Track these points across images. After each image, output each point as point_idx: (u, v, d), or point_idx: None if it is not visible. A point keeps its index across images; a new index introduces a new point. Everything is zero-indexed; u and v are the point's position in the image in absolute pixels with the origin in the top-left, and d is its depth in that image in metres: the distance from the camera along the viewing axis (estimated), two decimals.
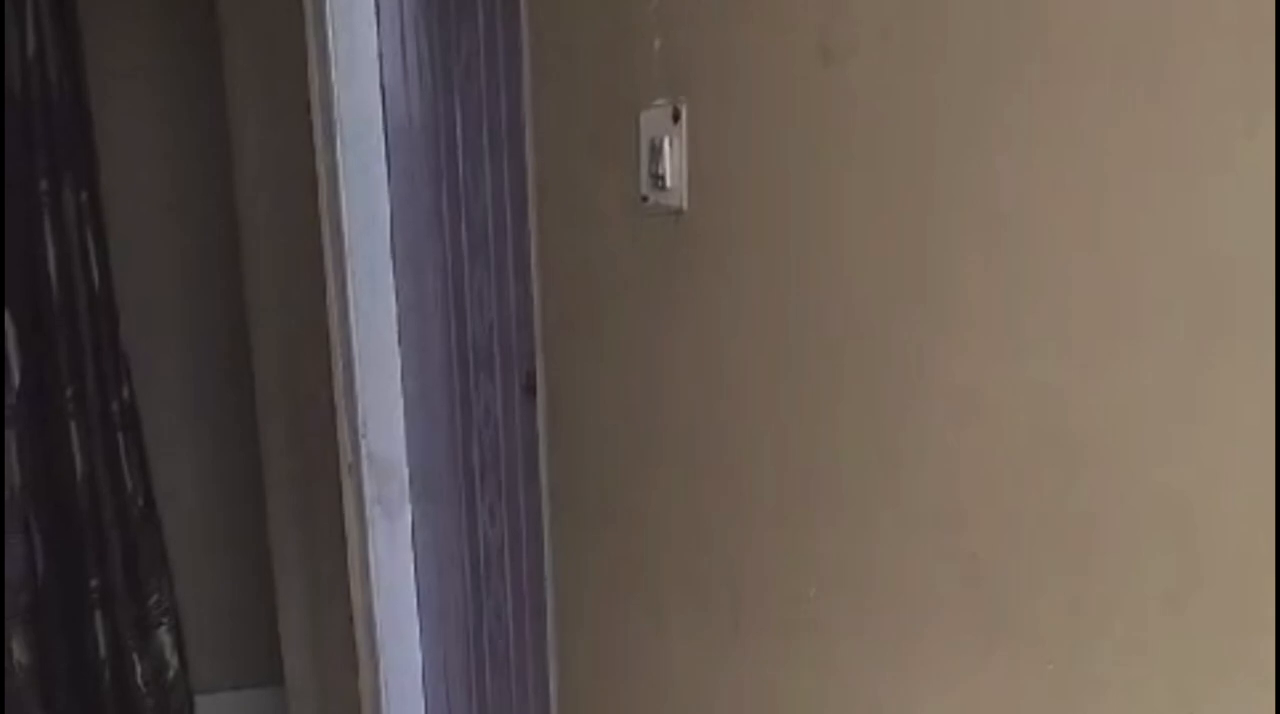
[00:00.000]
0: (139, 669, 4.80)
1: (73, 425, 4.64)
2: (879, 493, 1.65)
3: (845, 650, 1.75)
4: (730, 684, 2.03)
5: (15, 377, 4.59)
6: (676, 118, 1.95)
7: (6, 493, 4.68)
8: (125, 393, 4.63)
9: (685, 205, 1.97)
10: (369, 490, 3.35)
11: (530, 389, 2.67)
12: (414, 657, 3.48)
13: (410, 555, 3.43)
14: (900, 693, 1.65)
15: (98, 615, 4.77)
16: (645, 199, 2.05)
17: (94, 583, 4.76)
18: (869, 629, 1.70)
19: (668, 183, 1.99)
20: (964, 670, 1.52)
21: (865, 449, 1.67)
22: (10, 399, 4.60)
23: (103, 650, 4.83)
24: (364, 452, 3.33)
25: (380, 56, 3.17)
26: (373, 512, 3.36)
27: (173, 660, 4.82)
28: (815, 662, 1.81)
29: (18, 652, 4.82)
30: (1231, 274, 1.12)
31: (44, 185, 4.44)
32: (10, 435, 4.64)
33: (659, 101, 1.98)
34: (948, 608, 1.54)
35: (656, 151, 1.99)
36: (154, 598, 4.77)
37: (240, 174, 4.09)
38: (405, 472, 3.37)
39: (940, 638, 1.56)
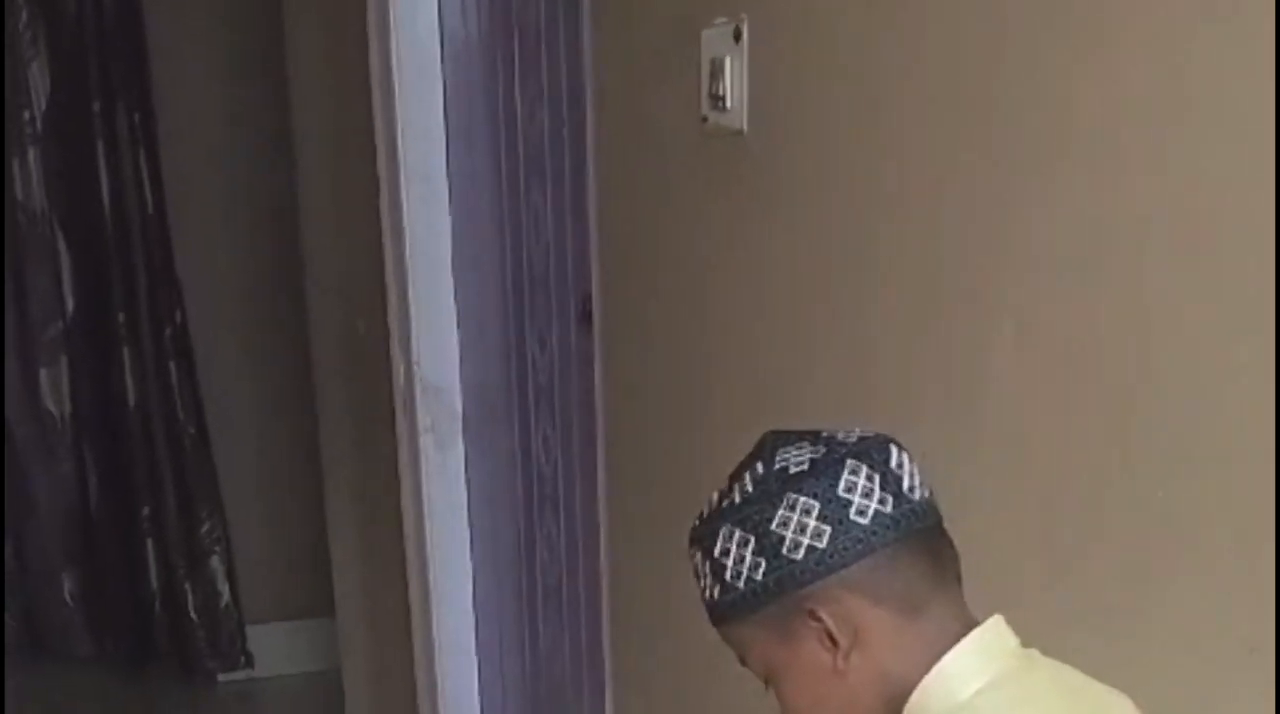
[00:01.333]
0: (190, 598, 4.83)
1: (125, 352, 4.67)
2: (940, 417, 1.61)
3: None
4: None
5: (70, 303, 4.60)
6: (738, 37, 1.91)
7: (58, 422, 4.70)
8: (178, 318, 4.63)
9: (745, 126, 1.93)
10: (421, 419, 3.33)
11: (586, 315, 2.64)
12: (465, 587, 3.46)
13: (462, 485, 3.41)
14: None
15: (149, 544, 4.82)
16: (705, 120, 2.01)
17: (145, 511, 4.79)
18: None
19: (728, 103, 1.95)
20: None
21: (925, 374, 1.64)
22: (63, 325, 4.62)
23: (154, 580, 4.87)
24: (417, 379, 3.31)
25: None
26: (425, 440, 3.34)
27: (224, 590, 4.86)
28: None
29: (68, 583, 4.85)
30: None
31: (96, 107, 4.44)
32: (62, 363, 4.65)
33: (720, 20, 1.94)
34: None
35: (717, 71, 1.96)
36: (205, 526, 4.79)
37: (296, 91, 4.05)
38: (458, 400, 3.35)
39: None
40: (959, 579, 1.26)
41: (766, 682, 1.29)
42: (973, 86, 1.49)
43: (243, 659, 4.90)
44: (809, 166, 1.82)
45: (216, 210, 4.71)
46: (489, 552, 3.44)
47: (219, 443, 4.76)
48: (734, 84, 1.92)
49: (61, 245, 4.56)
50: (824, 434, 1.25)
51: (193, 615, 4.82)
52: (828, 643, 1.22)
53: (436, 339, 3.30)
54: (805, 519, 1.20)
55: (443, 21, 3.16)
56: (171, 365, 4.66)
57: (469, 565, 3.47)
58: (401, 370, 3.36)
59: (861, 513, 1.20)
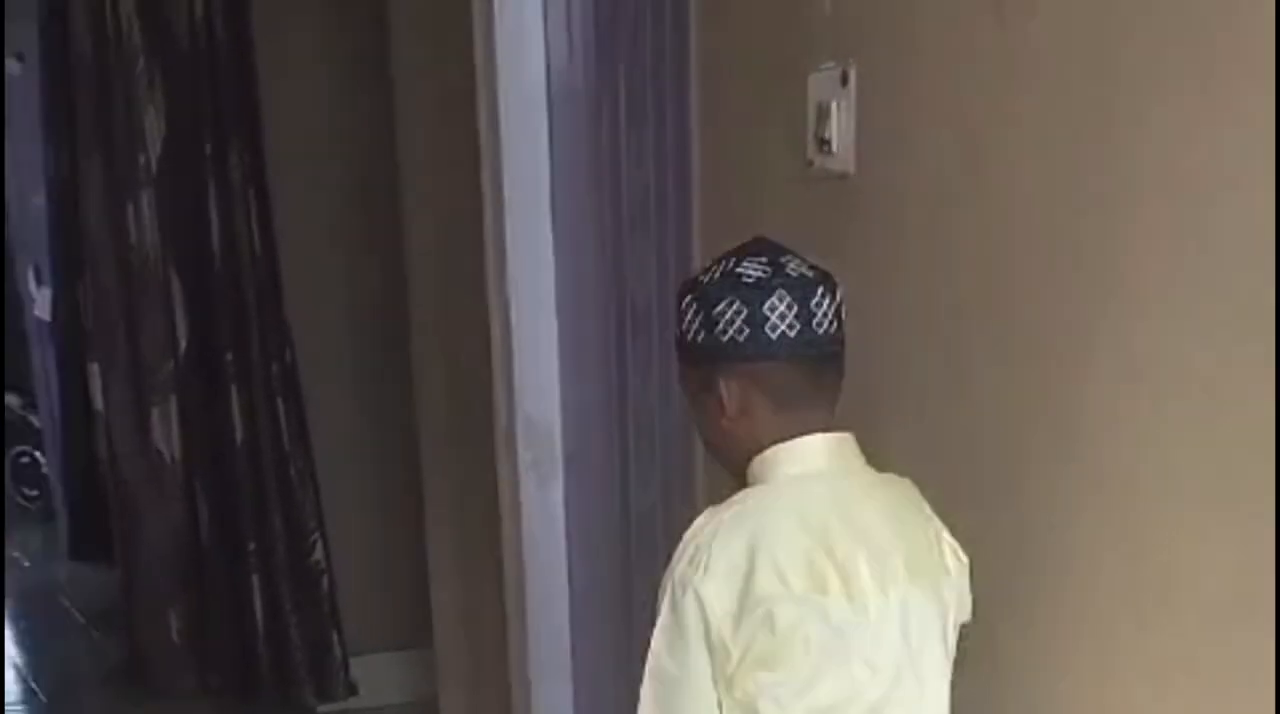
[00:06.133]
0: (295, 631, 4.86)
1: (233, 389, 4.72)
2: (1041, 461, 1.64)
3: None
4: None
5: (182, 343, 4.66)
6: (845, 81, 1.95)
7: (168, 460, 4.75)
8: (287, 356, 4.69)
9: (852, 169, 1.97)
10: (522, 455, 3.38)
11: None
12: (562, 619, 3.50)
13: (561, 520, 3.45)
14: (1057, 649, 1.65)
15: (254, 579, 4.84)
16: (810, 163, 2.05)
17: (252, 546, 4.83)
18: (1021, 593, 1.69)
19: (834, 147, 1.99)
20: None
21: (1027, 411, 1.66)
22: (174, 365, 4.67)
23: (259, 614, 4.89)
24: (519, 416, 3.35)
25: (545, 21, 3.18)
26: (526, 475, 3.38)
27: (328, 622, 4.89)
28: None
29: (175, 621, 4.91)
30: None
31: (208, 149, 4.52)
32: (172, 402, 4.71)
33: (828, 64, 1.98)
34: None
35: (823, 115, 2.00)
36: (311, 559, 4.83)
37: (402, 132, 4.13)
38: (559, 436, 3.39)
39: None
40: (833, 399, 1.75)
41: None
42: (1077, 130, 1.52)
43: (343, 690, 4.93)
44: (915, 209, 1.85)
45: (323, 249, 4.78)
46: (587, 585, 3.47)
47: (324, 478, 4.81)
48: (841, 127, 1.96)
49: (176, 286, 4.62)
50: (784, 260, 1.72)
51: (297, 648, 4.85)
52: (721, 406, 1.75)
53: (539, 377, 3.35)
54: (736, 318, 1.70)
55: (550, 68, 3.22)
56: (279, 402, 4.70)
57: (566, 598, 3.50)
58: (504, 406, 3.41)
59: (773, 329, 1.69)
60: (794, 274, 1.70)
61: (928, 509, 1.78)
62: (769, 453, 1.74)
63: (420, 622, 4.51)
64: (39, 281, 6.68)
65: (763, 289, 1.69)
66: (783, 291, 1.69)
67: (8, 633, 6.10)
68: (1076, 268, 1.54)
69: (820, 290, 1.70)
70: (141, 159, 4.51)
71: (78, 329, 5.41)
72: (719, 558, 1.65)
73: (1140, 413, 1.48)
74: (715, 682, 1.68)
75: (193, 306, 4.66)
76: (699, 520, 1.72)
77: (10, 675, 5.58)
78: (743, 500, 1.73)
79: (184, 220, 4.60)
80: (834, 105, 1.97)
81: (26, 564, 7.17)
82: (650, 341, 2.99)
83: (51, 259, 5.92)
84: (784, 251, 1.74)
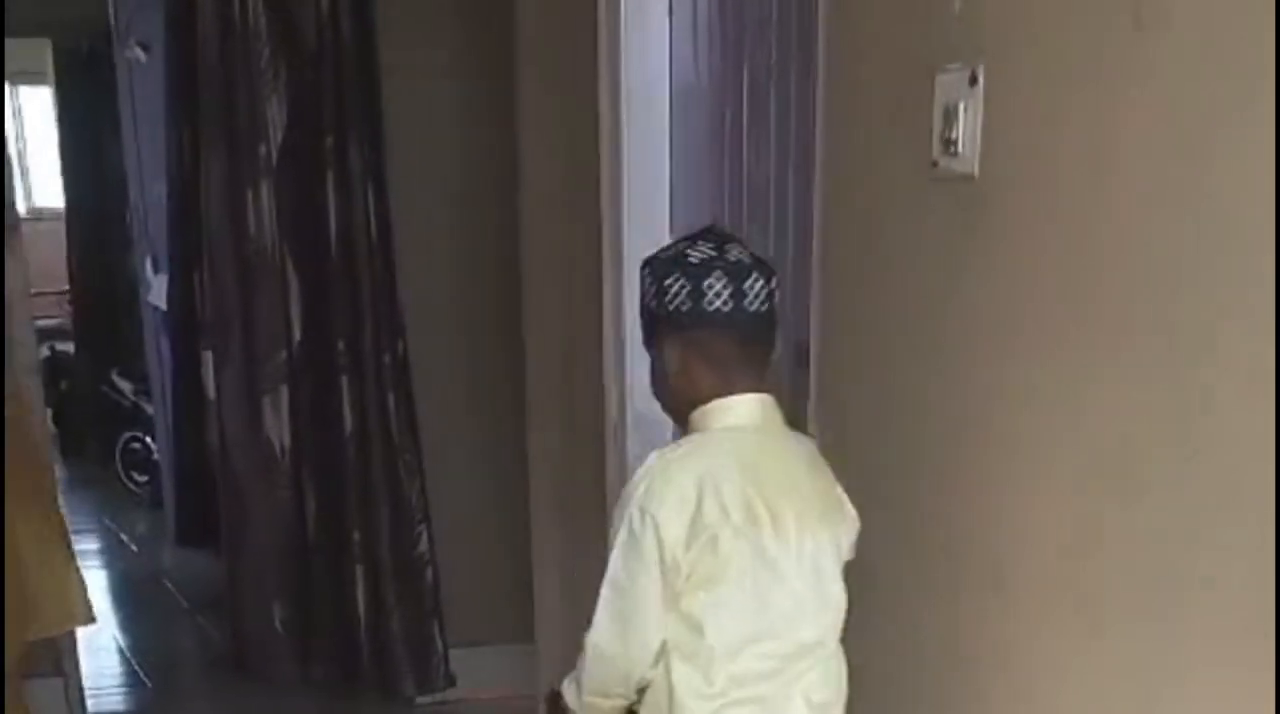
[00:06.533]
0: (396, 623, 4.90)
1: (344, 380, 4.76)
2: (1168, 473, 1.62)
3: (1115, 624, 1.73)
4: (988, 655, 2.03)
5: (296, 333, 4.71)
6: (973, 82, 1.93)
7: (278, 449, 4.80)
8: (400, 348, 4.72)
9: (977, 171, 1.96)
10: (632, 451, 3.38)
11: (802, 358, 2.67)
12: None
13: None
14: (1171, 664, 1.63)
15: (358, 570, 4.88)
16: (935, 164, 2.04)
17: (356, 536, 4.87)
18: (1141, 603, 1.68)
19: (960, 148, 1.97)
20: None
21: (1154, 425, 1.64)
22: (287, 354, 4.72)
23: (361, 604, 4.94)
24: (629, 412, 3.37)
25: (670, 16, 3.19)
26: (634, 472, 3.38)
27: (430, 615, 4.92)
28: (1084, 632, 1.79)
29: (279, 611, 4.97)
30: None
31: (330, 141, 4.56)
32: (283, 391, 4.76)
33: (955, 65, 1.97)
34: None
35: (950, 116, 1.98)
36: (415, 551, 4.86)
37: (524, 131, 4.15)
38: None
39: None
40: (763, 366, 2.16)
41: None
42: (1208, 139, 1.50)
43: (443, 682, 4.96)
44: (1040, 212, 1.83)
45: (440, 244, 4.81)
46: None
47: (431, 470, 4.84)
48: (967, 128, 1.95)
49: (292, 276, 4.66)
50: (727, 247, 2.12)
51: (398, 640, 4.89)
52: (665, 365, 2.17)
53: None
54: (680, 292, 2.10)
55: (673, 69, 3.23)
56: (390, 394, 4.73)
57: None
58: (615, 401, 3.42)
59: (710, 303, 2.08)
60: (732, 259, 2.11)
61: (828, 468, 2.23)
62: (708, 406, 2.15)
63: (521, 616, 4.54)
64: (156, 269, 6.77)
65: (704, 269, 2.09)
66: (720, 272, 2.09)
67: (113, 617, 6.22)
68: (1200, 276, 1.52)
69: (754, 275, 2.10)
70: (262, 149, 4.56)
71: (192, 317, 5.47)
72: (672, 491, 2.04)
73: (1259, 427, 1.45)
74: (664, 598, 2.07)
75: (307, 297, 4.70)
76: (650, 459, 2.10)
77: (115, 659, 5.66)
78: (689, 444, 2.15)
79: (302, 211, 4.64)
80: (961, 106, 1.96)
81: (134, 549, 7.30)
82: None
83: (170, 247, 6.00)
84: (730, 239, 2.16)
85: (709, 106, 3.17)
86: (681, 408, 2.19)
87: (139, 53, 6.52)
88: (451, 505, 4.88)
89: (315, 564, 4.92)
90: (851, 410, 2.45)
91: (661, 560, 2.04)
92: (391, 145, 4.62)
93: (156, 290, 6.68)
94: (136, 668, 5.55)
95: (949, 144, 1.99)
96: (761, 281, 2.09)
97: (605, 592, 2.14)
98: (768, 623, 2.11)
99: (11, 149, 8.71)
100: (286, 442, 4.82)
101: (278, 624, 4.98)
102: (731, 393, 2.13)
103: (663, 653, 2.12)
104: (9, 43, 4.99)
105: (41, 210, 10.99)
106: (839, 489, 2.21)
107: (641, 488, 2.06)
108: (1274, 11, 1.37)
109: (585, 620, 2.17)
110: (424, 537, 4.86)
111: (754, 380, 2.15)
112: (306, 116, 4.56)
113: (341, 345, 4.71)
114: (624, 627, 2.13)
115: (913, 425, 2.22)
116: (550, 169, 3.96)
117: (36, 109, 11.07)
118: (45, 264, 8.33)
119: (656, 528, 2.03)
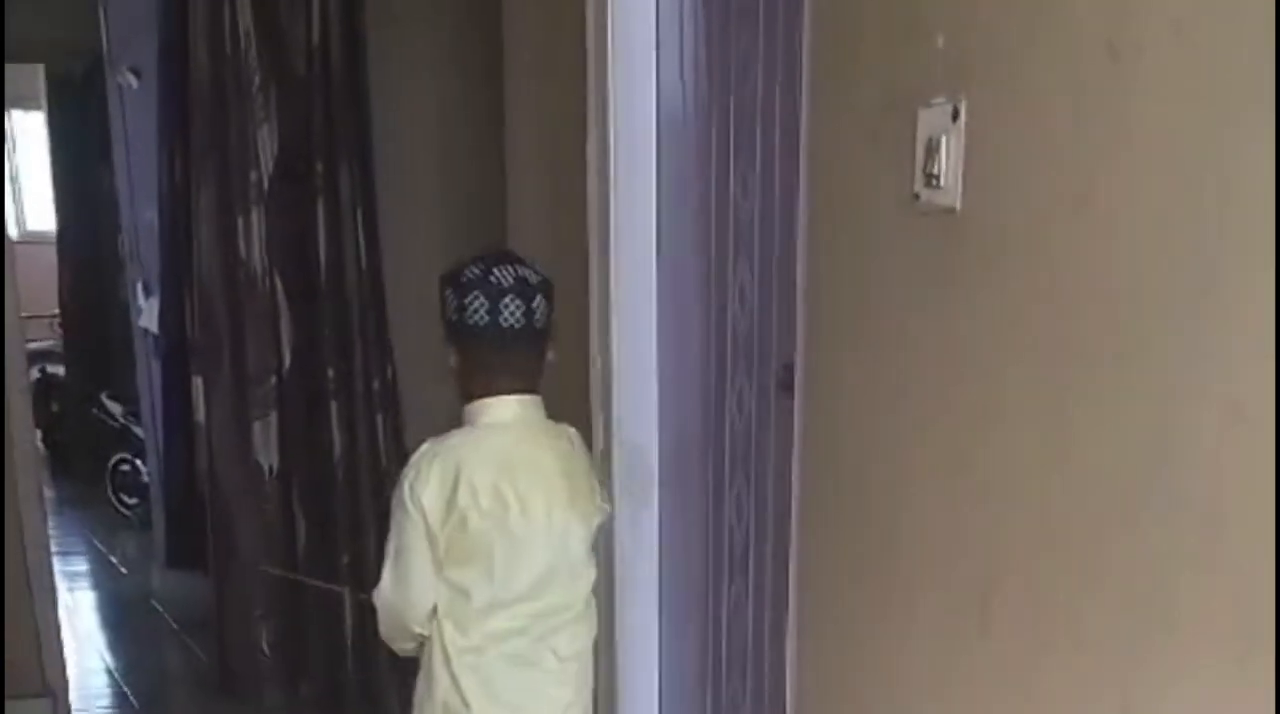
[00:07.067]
0: (383, 645, 4.86)
1: (333, 405, 4.78)
2: (1150, 500, 1.63)
3: (1098, 653, 1.74)
4: (974, 684, 2.03)
5: (286, 358, 4.72)
6: (955, 116, 1.95)
7: (266, 473, 4.80)
8: (388, 373, 4.74)
9: (959, 204, 1.97)
10: (618, 477, 3.40)
11: (787, 385, 2.69)
12: (651, 642, 3.51)
13: (655, 543, 3.46)
14: (1153, 693, 1.64)
15: (346, 591, 4.88)
16: (917, 197, 2.05)
17: (345, 559, 4.89)
18: (1125, 632, 1.69)
19: (942, 181, 1.99)
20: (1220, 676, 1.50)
21: (1136, 458, 1.65)
22: (277, 380, 4.72)
23: (349, 629, 4.96)
24: (615, 438, 3.38)
25: (658, 50, 3.21)
26: (620, 498, 3.40)
27: None
28: (1068, 664, 1.80)
29: (267, 633, 4.97)
30: None
31: (320, 168, 4.58)
32: (273, 416, 4.77)
33: (938, 99, 1.99)
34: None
35: (933, 149, 2.00)
36: None
37: (511, 158, 4.16)
38: (655, 460, 3.41)
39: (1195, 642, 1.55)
40: (523, 372, 2.69)
41: None
42: (1192, 169, 1.51)
43: None
44: (1021, 246, 1.84)
45: (429, 270, 4.79)
46: (677, 609, 3.48)
47: None
48: (950, 162, 1.96)
49: (282, 302, 4.69)
50: (495, 269, 2.59)
51: (385, 661, 4.84)
52: (450, 364, 2.68)
53: (637, 399, 3.37)
54: (453, 305, 2.61)
55: (660, 102, 3.25)
56: (379, 418, 4.76)
57: (656, 621, 3.52)
58: (602, 430, 3.43)
59: (471, 316, 2.58)
60: (494, 281, 2.58)
61: (589, 459, 2.86)
62: (474, 404, 2.68)
63: None
64: (147, 293, 6.78)
65: (470, 287, 2.58)
66: (477, 291, 2.57)
67: (102, 637, 6.22)
68: (1188, 309, 1.53)
69: (510, 296, 2.58)
70: (253, 176, 4.60)
71: (183, 341, 5.49)
72: (435, 475, 2.57)
73: (1253, 454, 1.46)
74: (432, 564, 2.62)
75: (297, 322, 4.73)
76: (423, 446, 2.64)
77: (103, 679, 5.66)
78: (457, 436, 2.66)
79: (292, 237, 4.67)
80: (943, 140, 1.98)
81: (123, 570, 7.30)
82: (750, 366, 3.01)
83: (161, 271, 6.01)
84: (502, 261, 2.64)
85: (696, 139, 3.19)
86: (460, 400, 2.71)
87: (131, 79, 6.54)
88: None
89: (304, 586, 4.92)
90: (837, 438, 2.46)
91: (428, 533, 2.60)
92: (381, 172, 4.63)
93: (147, 314, 6.70)
94: (124, 688, 5.55)
95: (931, 177, 2.01)
96: (519, 301, 2.59)
97: (388, 552, 2.71)
98: (519, 589, 2.66)
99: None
100: (275, 465, 4.83)
101: (265, 645, 4.98)
102: (497, 393, 2.66)
103: (434, 613, 2.68)
104: None
105: (33, 234, 11.01)
106: (594, 480, 2.85)
107: (413, 472, 2.61)
108: (1247, 38, 1.39)
109: None
110: None
111: (516, 383, 2.68)
112: (297, 143, 4.59)
113: (331, 371, 4.73)
114: (403, 585, 2.68)
115: (896, 454, 2.23)
116: (538, 200, 3.98)
117: (29, 134, 11.08)
118: (37, 287, 8.35)
119: (421, 505, 2.58)
